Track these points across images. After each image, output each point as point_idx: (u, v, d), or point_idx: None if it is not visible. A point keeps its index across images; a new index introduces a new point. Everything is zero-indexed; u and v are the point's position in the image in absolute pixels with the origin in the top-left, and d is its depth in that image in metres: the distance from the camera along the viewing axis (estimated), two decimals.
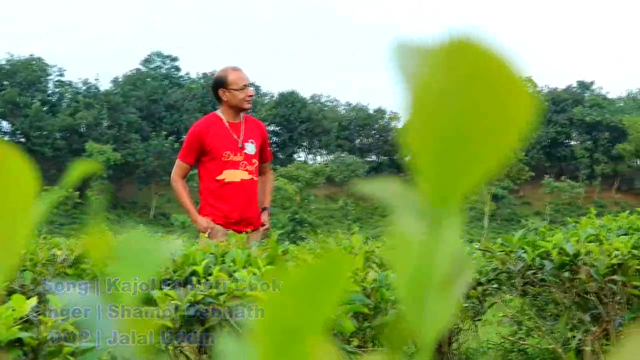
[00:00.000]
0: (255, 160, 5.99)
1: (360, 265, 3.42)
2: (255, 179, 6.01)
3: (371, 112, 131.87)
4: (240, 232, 5.50)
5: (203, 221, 5.83)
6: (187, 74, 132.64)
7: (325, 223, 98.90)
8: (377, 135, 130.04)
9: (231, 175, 5.88)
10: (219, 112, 6.02)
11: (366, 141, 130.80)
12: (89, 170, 0.47)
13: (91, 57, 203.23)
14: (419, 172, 0.31)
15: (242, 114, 6.05)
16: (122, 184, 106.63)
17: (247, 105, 5.97)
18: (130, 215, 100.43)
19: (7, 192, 0.42)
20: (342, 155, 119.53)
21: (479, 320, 5.30)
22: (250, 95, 5.97)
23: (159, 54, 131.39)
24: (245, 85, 5.92)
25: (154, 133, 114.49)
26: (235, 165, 5.90)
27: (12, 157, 0.42)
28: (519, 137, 0.29)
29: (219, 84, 5.96)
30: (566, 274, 4.00)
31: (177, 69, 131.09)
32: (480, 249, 4.89)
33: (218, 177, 5.89)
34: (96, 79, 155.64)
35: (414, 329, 0.32)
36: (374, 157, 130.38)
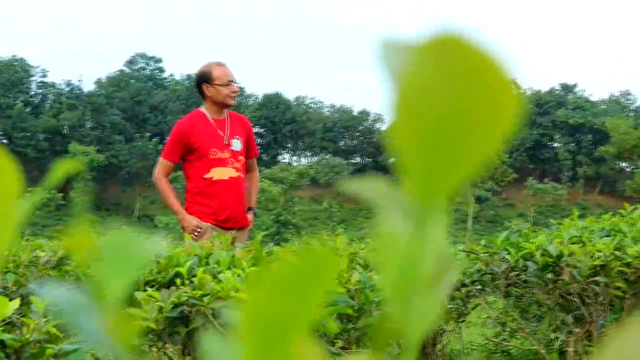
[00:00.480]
0: (241, 157, 5.86)
1: (345, 267, 3.42)
2: (243, 176, 5.88)
3: (355, 114, 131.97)
4: (229, 230, 5.47)
5: (192, 220, 5.68)
6: (171, 75, 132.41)
7: (309, 225, 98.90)
8: (362, 137, 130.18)
9: (219, 173, 5.74)
10: (202, 109, 5.90)
11: (350, 143, 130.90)
12: (71, 170, 0.47)
13: (74, 58, 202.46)
14: (404, 171, 0.31)
15: (226, 110, 5.92)
16: (106, 185, 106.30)
17: (231, 102, 5.85)
18: (114, 216, 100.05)
19: None
20: (327, 157, 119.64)
21: (462, 321, 5.31)
22: (235, 92, 5.86)
23: (142, 56, 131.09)
24: (230, 81, 5.81)
25: (137, 134, 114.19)
26: (223, 162, 5.76)
27: None
28: (504, 136, 0.29)
29: (203, 79, 5.84)
30: (549, 276, 4.02)
31: (161, 70, 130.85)
32: (464, 251, 4.90)
33: (206, 176, 5.73)
34: (79, 80, 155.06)
35: (399, 329, 0.32)
36: (358, 159, 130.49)
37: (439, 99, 0.29)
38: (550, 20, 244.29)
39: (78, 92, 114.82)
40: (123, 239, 0.39)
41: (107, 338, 0.36)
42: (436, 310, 0.35)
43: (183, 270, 2.85)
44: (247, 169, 6.01)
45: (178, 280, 2.80)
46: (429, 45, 0.28)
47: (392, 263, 0.32)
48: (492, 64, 0.28)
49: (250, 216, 6.02)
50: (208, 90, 5.78)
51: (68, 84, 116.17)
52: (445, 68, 0.28)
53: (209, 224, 5.68)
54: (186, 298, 2.68)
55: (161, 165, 5.85)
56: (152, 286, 3.51)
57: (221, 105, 5.83)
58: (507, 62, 0.28)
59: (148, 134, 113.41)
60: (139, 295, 2.70)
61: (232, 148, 5.80)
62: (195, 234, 5.59)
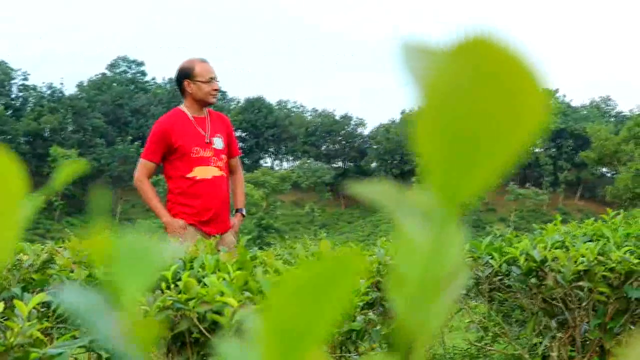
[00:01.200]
0: (224, 156, 5.71)
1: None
2: (226, 175, 5.72)
3: (337, 118, 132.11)
4: (212, 232, 5.40)
5: (176, 222, 5.49)
6: (153, 79, 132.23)
7: (291, 229, 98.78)
8: (343, 142, 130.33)
9: (202, 172, 5.58)
10: (182, 107, 5.73)
11: (332, 147, 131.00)
12: (76, 171, 0.46)
13: (56, 61, 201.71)
14: (428, 173, 0.31)
15: (205, 109, 5.76)
16: (87, 188, 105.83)
17: (212, 100, 5.69)
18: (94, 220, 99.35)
19: None
20: (308, 161, 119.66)
21: (445, 325, 5.32)
22: (216, 89, 5.70)
23: (124, 59, 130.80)
24: (212, 78, 5.65)
25: (119, 138, 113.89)
26: (205, 161, 5.59)
27: (0, 158, 0.41)
28: (530, 138, 0.29)
29: (184, 74, 5.66)
30: (533, 280, 4.03)
31: (143, 73, 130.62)
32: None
33: (189, 175, 5.55)
34: (61, 84, 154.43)
35: (417, 331, 0.31)
36: (340, 163, 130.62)
37: (465, 101, 0.29)
38: (531, 25, 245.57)
39: (59, 95, 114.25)
40: (139, 242, 0.38)
41: (125, 341, 0.35)
42: (447, 313, 0.35)
43: (168, 274, 2.84)
44: (231, 169, 5.88)
45: (163, 284, 2.79)
46: (458, 49, 0.28)
47: (412, 268, 0.32)
48: (524, 68, 0.28)
49: (237, 219, 5.86)
50: (189, 86, 5.62)
51: (49, 87, 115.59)
52: (473, 71, 0.28)
53: (193, 226, 5.53)
54: (171, 302, 2.67)
55: (142, 167, 5.66)
56: None
57: (201, 103, 5.68)
58: (538, 67, 0.28)
59: (130, 138, 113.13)
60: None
61: (214, 146, 5.65)
62: (181, 234, 5.41)
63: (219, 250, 3.63)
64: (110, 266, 0.37)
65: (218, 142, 5.68)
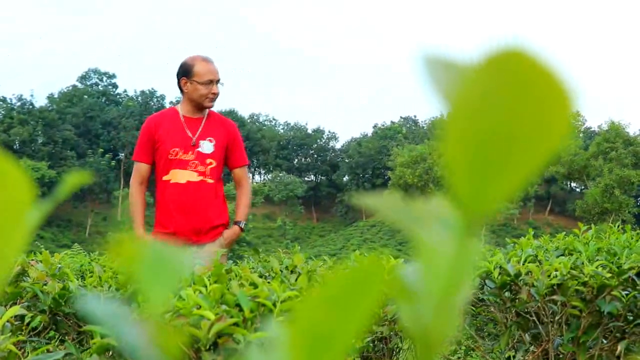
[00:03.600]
0: (211, 161, 5.18)
1: (304, 285, 3.42)
2: (209, 181, 5.18)
3: (310, 131, 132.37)
4: (188, 244, 5.05)
5: (144, 238, 5.11)
6: (124, 91, 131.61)
7: (263, 242, 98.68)
8: (315, 155, 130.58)
9: (177, 176, 5.14)
10: (178, 106, 5.34)
11: (304, 161, 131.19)
12: (80, 182, 0.46)
13: (26, 72, 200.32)
14: (453, 187, 0.31)
15: (205, 111, 5.30)
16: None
17: (208, 104, 5.21)
18: (65, 233, 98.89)
19: (1, 203, 0.42)
20: (281, 174, 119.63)
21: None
22: (215, 93, 5.20)
23: (96, 71, 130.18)
24: (211, 81, 5.17)
25: (90, 150, 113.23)
26: (182, 164, 5.14)
27: (6, 168, 0.42)
28: (554, 151, 0.30)
29: (182, 72, 5.23)
30: (507, 294, 4.05)
31: (115, 86, 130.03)
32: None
33: (164, 177, 5.16)
34: (31, 95, 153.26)
35: (436, 340, 0.32)
36: (312, 177, 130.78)
37: (493, 116, 0.29)
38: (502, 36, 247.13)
39: (30, 107, 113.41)
40: (162, 251, 0.38)
41: (151, 351, 0.35)
42: (457, 322, 0.36)
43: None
44: (236, 180, 5.45)
45: (139, 297, 2.77)
46: (487, 62, 0.29)
47: (434, 278, 0.32)
48: (553, 82, 0.28)
49: (232, 231, 5.33)
50: (185, 85, 5.20)
51: (19, 98, 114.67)
52: (501, 84, 0.29)
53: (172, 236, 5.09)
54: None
55: (134, 169, 5.28)
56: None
57: (196, 105, 5.24)
58: (570, 83, 0.28)
59: (101, 150, 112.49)
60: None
61: (200, 149, 5.18)
62: None
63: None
64: (135, 275, 0.38)
65: (207, 146, 5.22)
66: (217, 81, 5.23)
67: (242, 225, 5.43)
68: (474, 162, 0.30)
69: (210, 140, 5.23)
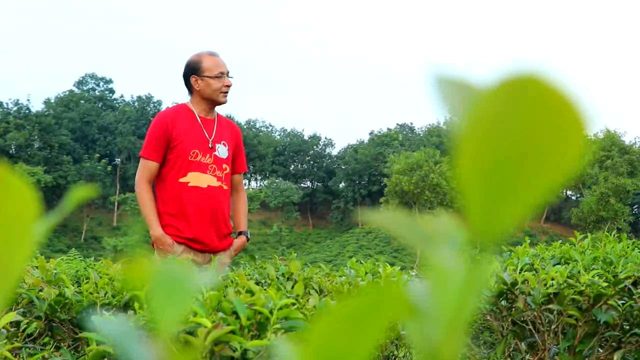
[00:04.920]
0: (226, 166, 5.02)
1: (301, 292, 3.42)
2: (225, 188, 5.01)
3: (306, 138, 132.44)
4: (201, 252, 4.91)
5: (165, 239, 4.82)
6: (121, 96, 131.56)
7: (258, 248, 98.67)
8: (312, 162, 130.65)
9: (197, 179, 4.89)
10: (189, 103, 5.06)
11: (301, 167, 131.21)
12: (86, 195, 0.47)
13: (23, 77, 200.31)
14: (467, 206, 0.31)
15: (215, 112, 5.10)
16: (53, 206, 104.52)
17: (222, 98, 5.00)
18: (61, 238, 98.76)
19: (7, 215, 0.42)
20: (277, 180, 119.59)
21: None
22: (228, 86, 4.99)
23: (92, 76, 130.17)
24: (222, 73, 4.97)
25: (86, 155, 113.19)
26: (202, 167, 4.91)
27: (12, 180, 0.42)
28: (567, 175, 0.30)
29: (191, 70, 5.01)
30: (503, 303, 4.05)
31: (111, 91, 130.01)
32: (417, 276, 4.92)
33: (181, 180, 4.88)
34: (28, 100, 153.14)
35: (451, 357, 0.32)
36: (308, 183, 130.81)
37: (508, 139, 0.29)
38: (489, 47, 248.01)
39: (26, 111, 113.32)
40: (174, 270, 0.38)
41: None
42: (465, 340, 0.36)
43: (141, 294, 2.82)
44: (233, 186, 5.18)
45: (136, 305, 2.77)
46: (503, 85, 0.29)
47: (445, 298, 0.32)
48: (570, 107, 0.28)
49: (241, 241, 5.18)
50: (196, 83, 4.97)
51: (16, 103, 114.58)
52: (517, 108, 0.29)
53: (183, 245, 4.89)
54: (144, 322, 2.65)
55: (143, 167, 4.94)
56: (107, 310, 3.47)
57: (210, 102, 5.01)
58: (585, 106, 0.28)
59: (97, 155, 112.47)
60: (96, 319, 2.66)
61: (217, 154, 4.98)
62: (167, 253, 4.79)
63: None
64: (148, 293, 0.38)
65: (222, 150, 5.03)
66: (227, 74, 5.05)
67: (248, 235, 5.29)
68: (488, 184, 0.30)
69: (224, 145, 5.07)
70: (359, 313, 0.31)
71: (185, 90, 5.16)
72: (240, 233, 5.23)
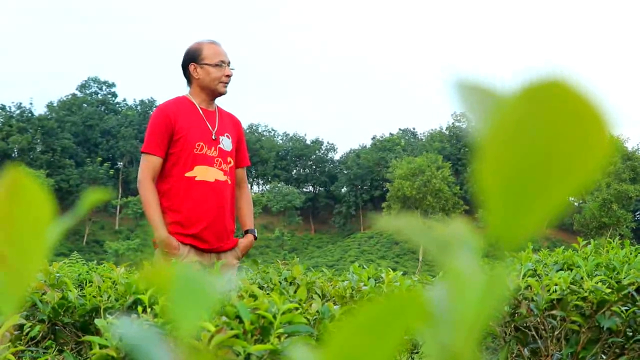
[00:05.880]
0: (231, 160, 4.79)
1: (304, 297, 3.42)
2: (230, 182, 4.78)
3: (308, 142, 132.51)
4: (207, 252, 4.69)
5: (170, 241, 4.54)
6: (124, 100, 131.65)
7: (260, 253, 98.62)
8: (314, 166, 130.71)
9: (204, 173, 4.65)
10: (188, 95, 4.82)
11: (303, 172, 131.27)
12: (100, 199, 0.47)
13: (25, 80, 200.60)
14: (488, 212, 0.31)
15: (215, 103, 4.87)
16: (55, 210, 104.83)
17: (222, 89, 4.76)
18: (63, 242, 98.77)
19: (22, 219, 0.42)
20: (279, 185, 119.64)
21: (416, 352, 5.32)
22: (228, 76, 4.77)
23: (95, 80, 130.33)
24: (222, 62, 4.76)
25: (88, 159, 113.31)
26: (209, 160, 4.67)
27: (28, 184, 0.42)
28: (589, 182, 0.30)
29: (190, 58, 4.78)
30: (506, 308, 4.05)
31: (114, 95, 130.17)
32: (419, 282, 4.92)
33: (187, 174, 4.62)
34: (30, 103, 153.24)
35: None
36: (310, 188, 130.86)
37: (531, 145, 0.29)
38: (494, 49, 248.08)
39: (29, 115, 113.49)
40: (192, 275, 0.38)
41: None
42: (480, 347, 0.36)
43: (144, 297, 2.82)
44: (237, 181, 4.96)
45: (139, 308, 2.77)
46: (524, 91, 0.29)
47: (464, 304, 0.32)
48: (594, 113, 0.28)
49: (248, 239, 4.96)
50: (195, 71, 4.74)
51: (18, 106, 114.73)
52: (540, 114, 0.29)
53: (189, 246, 4.64)
54: (148, 326, 2.65)
55: (145, 164, 4.66)
56: (110, 313, 3.46)
57: (209, 92, 4.78)
58: (608, 112, 0.28)
59: (99, 159, 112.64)
60: (99, 322, 2.66)
61: (221, 146, 4.75)
62: (173, 255, 4.51)
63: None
64: (168, 299, 0.37)
65: (226, 143, 4.81)
66: (228, 64, 4.84)
67: (255, 234, 5.06)
68: (510, 189, 0.30)
69: (228, 137, 4.83)
70: (379, 320, 0.31)
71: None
72: (246, 232, 5.02)
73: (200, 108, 4.77)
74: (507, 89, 0.29)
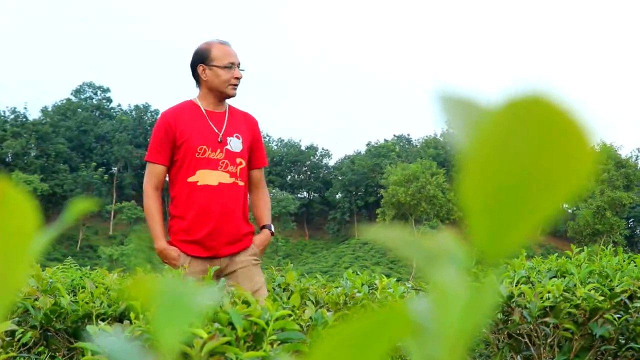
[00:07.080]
0: (241, 160, 4.63)
1: (297, 303, 3.41)
2: (241, 184, 4.62)
3: (303, 148, 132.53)
4: (214, 257, 4.53)
5: (170, 251, 4.48)
6: (118, 105, 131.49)
7: None
8: (308, 172, 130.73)
9: (206, 177, 4.52)
10: (195, 99, 4.69)
11: (297, 178, 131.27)
12: (88, 208, 0.46)
13: (20, 85, 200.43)
14: (471, 226, 0.31)
15: (226, 104, 4.73)
16: (49, 215, 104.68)
17: (231, 91, 4.62)
18: (56, 246, 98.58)
19: (7, 228, 0.42)
20: (273, 190, 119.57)
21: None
22: (238, 78, 4.63)
23: (90, 85, 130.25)
24: (232, 64, 4.61)
25: (83, 164, 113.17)
26: (212, 164, 4.54)
27: (12, 193, 0.42)
28: (573, 196, 0.30)
29: (199, 59, 4.65)
30: (499, 315, 4.05)
31: (109, 100, 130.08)
32: (412, 288, 4.92)
33: (190, 179, 4.52)
34: (25, 108, 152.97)
35: None
36: (305, 194, 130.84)
37: (514, 159, 0.29)
38: (486, 61, 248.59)
39: (23, 119, 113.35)
40: (177, 287, 0.38)
41: None
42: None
43: (137, 303, 2.81)
44: (254, 183, 4.84)
45: (132, 315, 2.76)
46: (508, 105, 0.29)
47: (448, 317, 0.32)
48: (576, 127, 0.28)
49: (263, 235, 4.77)
50: (204, 73, 4.61)
51: (13, 111, 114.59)
52: (523, 128, 0.29)
53: (192, 257, 4.53)
54: (140, 332, 2.65)
55: (149, 172, 4.59)
56: (103, 320, 3.46)
57: (218, 94, 4.65)
58: (591, 126, 0.28)
59: (94, 164, 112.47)
60: (91, 329, 2.66)
61: (228, 147, 4.60)
62: (174, 266, 4.38)
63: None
64: (152, 312, 0.37)
65: (235, 144, 4.65)
66: (238, 65, 4.69)
67: (272, 229, 4.86)
68: (493, 203, 0.30)
69: (238, 137, 4.67)
70: (364, 333, 0.31)
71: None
72: (263, 227, 4.85)
73: (207, 110, 4.65)
74: (491, 102, 0.29)
